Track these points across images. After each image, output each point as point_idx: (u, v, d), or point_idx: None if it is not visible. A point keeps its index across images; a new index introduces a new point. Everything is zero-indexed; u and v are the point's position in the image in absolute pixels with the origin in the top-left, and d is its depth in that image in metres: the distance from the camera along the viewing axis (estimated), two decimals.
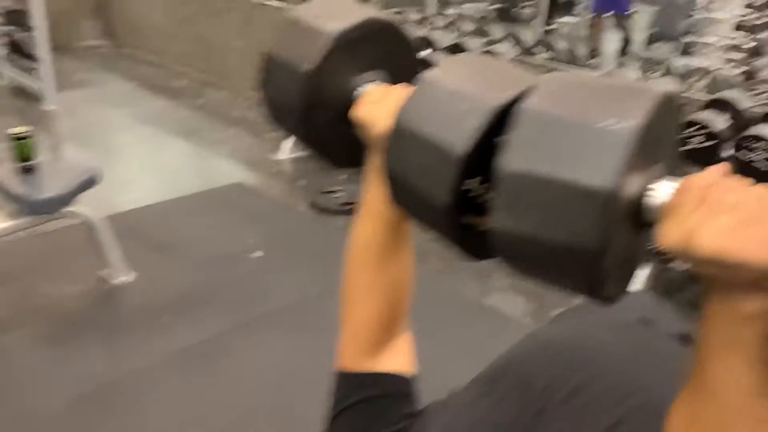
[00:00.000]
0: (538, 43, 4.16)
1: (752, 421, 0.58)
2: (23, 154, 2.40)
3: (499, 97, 0.64)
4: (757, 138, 2.49)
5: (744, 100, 2.84)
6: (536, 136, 0.59)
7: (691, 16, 5.13)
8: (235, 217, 3.43)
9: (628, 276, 0.68)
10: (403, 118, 0.69)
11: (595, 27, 6.43)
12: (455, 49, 3.63)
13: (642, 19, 4.76)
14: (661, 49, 4.33)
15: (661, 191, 0.59)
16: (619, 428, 0.89)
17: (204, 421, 2.09)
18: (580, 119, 0.58)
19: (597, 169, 0.56)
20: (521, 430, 0.91)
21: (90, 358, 2.34)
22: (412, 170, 0.68)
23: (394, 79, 0.89)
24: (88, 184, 2.47)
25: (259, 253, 3.07)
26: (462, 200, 0.66)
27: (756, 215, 0.52)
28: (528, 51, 4.02)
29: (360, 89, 0.85)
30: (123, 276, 2.75)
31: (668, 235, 0.56)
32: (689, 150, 2.60)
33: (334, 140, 0.90)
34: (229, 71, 5.49)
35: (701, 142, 2.58)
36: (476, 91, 0.65)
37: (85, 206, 2.57)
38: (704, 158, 2.50)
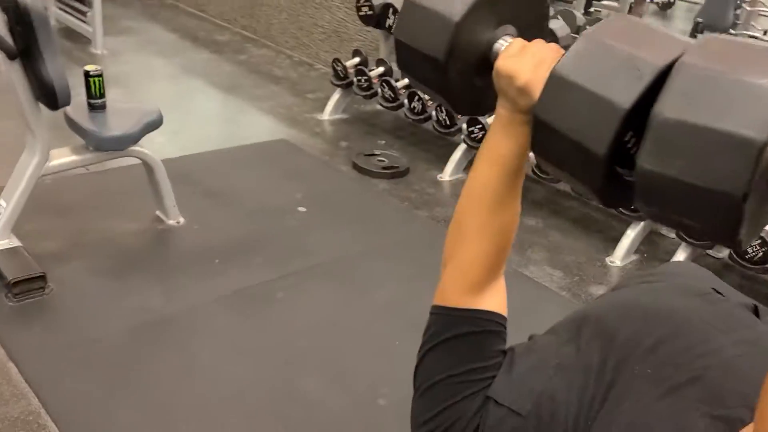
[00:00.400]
0: (578, 29, 4.16)
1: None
2: (95, 91, 2.47)
3: (663, 57, 0.70)
4: None
5: None
6: (693, 88, 0.66)
7: (739, 7, 5.10)
8: (279, 172, 3.51)
9: (759, 226, 0.74)
10: (564, 70, 0.75)
11: (635, 13, 6.38)
12: None
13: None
14: None
15: None
16: (693, 384, 0.96)
17: (253, 361, 2.19)
18: (737, 76, 0.65)
19: (753, 121, 0.62)
20: (605, 376, 0.99)
21: (146, 293, 2.44)
22: (568, 120, 0.75)
23: (521, 33, 0.95)
24: (154, 125, 2.55)
25: (302, 209, 3.15)
26: (616, 151, 0.73)
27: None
28: (576, 32, 4.03)
29: (499, 42, 0.91)
30: (176, 219, 2.84)
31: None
32: None
33: (463, 88, 0.96)
34: (272, 29, 5.52)
35: None
36: (640, 50, 0.72)
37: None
38: None
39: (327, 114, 4.22)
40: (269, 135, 3.96)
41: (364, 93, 3.98)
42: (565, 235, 3.22)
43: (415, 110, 3.75)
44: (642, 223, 2.99)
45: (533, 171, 3.27)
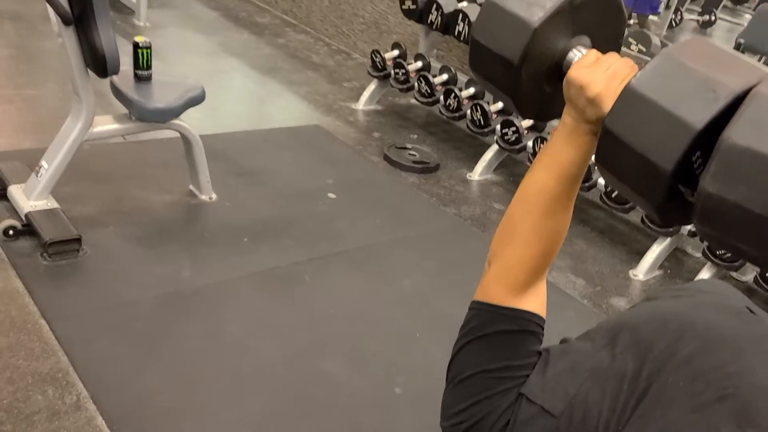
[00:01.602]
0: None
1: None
2: (142, 62, 2.52)
3: (740, 83, 0.72)
4: None
5: None
6: (765, 118, 0.68)
7: None
8: (312, 157, 3.54)
9: None
10: (640, 85, 0.77)
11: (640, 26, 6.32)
12: None
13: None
14: None
15: None
16: (723, 402, 0.98)
17: (278, 338, 2.24)
18: None
19: None
20: (639, 384, 1.00)
21: (176, 263, 2.49)
22: (639, 134, 0.77)
23: (596, 45, 0.97)
24: (197, 100, 2.60)
25: (332, 195, 3.19)
26: (681, 169, 0.75)
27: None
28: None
29: (573, 52, 0.94)
30: (209, 194, 2.89)
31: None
32: None
33: (532, 93, 0.99)
34: (313, 16, 5.56)
35: None
36: (717, 73, 0.74)
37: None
38: None
39: (362, 104, 4.25)
40: (304, 120, 4.00)
41: (401, 86, 4.00)
42: (589, 245, 3.23)
43: (450, 107, 3.77)
44: (668, 239, 2.99)
45: None
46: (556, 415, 0.96)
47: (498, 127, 3.50)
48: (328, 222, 2.97)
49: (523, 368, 1.04)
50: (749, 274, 2.85)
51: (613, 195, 3.10)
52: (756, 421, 0.93)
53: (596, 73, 0.91)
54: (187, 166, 2.88)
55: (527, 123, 3.43)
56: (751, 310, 1.27)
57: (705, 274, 2.84)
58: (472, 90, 3.77)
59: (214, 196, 2.91)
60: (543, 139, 3.26)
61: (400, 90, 4.05)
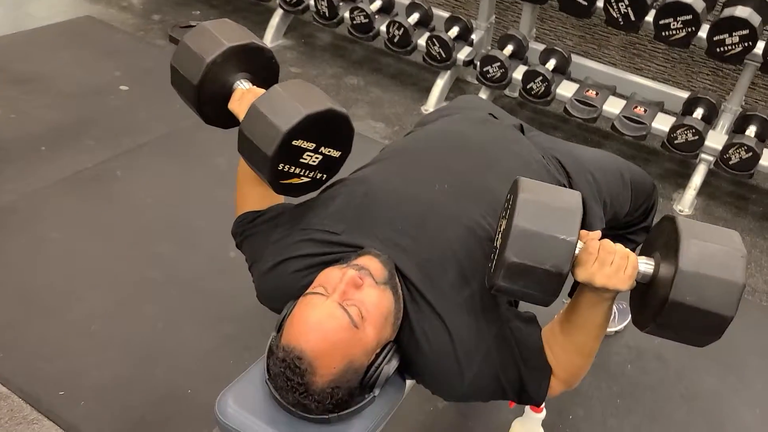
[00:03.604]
0: None
1: (597, 340, 1.18)
2: None
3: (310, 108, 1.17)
4: None
5: None
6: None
7: None
8: (91, 51, 3.36)
9: None
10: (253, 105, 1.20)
11: None
12: None
13: None
14: None
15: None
16: (477, 196, 1.28)
17: (106, 236, 2.28)
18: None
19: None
20: (411, 188, 1.27)
21: None
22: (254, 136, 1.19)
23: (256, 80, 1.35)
24: None
25: (124, 87, 3.10)
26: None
27: (618, 268, 1.06)
28: None
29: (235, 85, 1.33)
30: None
31: (580, 275, 1.07)
32: None
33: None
34: None
35: None
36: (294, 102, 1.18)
37: None
38: None
39: None
40: (71, 13, 3.71)
41: None
42: (384, 90, 3.48)
43: None
44: (449, 72, 3.32)
45: (349, 31, 3.42)
46: (338, 233, 1.21)
47: None
48: (126, 115, 2.92)
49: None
50: (516, 91, 3.29)
51: (395, 40, 3.32)
52: (500, 201, 1.23)
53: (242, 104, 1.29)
54: None
55: None
56: (493, 116, 1.59)
57: (483, 94, 3.23)
58: None
59: None
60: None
61: None
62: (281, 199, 1.36)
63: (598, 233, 1.10)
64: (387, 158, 1.40)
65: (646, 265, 1.08)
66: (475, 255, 1.16)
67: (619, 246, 1.07)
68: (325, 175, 1.29)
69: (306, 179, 1.24)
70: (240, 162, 1.34)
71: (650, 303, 1.08)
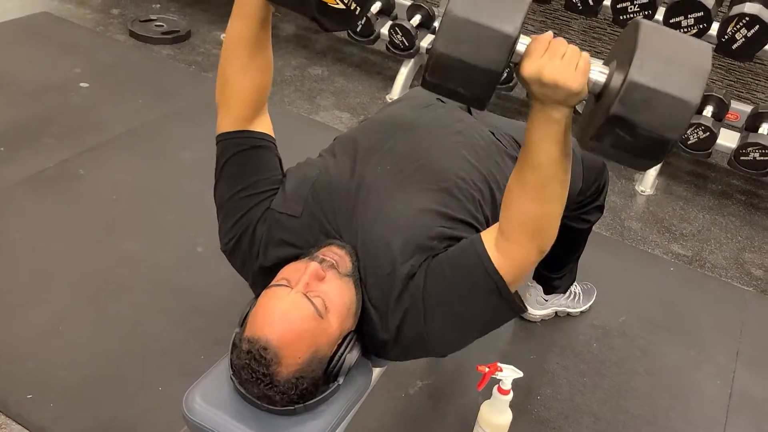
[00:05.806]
0: None
1: (557, 179, 1.06)
2: None
3: None
4: None
5: None
6: None
7: None
8: (49, 48, 3.30)
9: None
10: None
11: None
12: None
13: None
14: None
15: (522, 42, 0.97)
16: (421, 170, 1.30)
17: (70, 235, 2.25)
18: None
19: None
20: (355, 176, 1.28)
21: None
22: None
23: None
24: None
25: (84, 84, 3.05)
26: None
27: (570, 61, 0.96)
28: None
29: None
30: None
31: (526, 68, 0.97)
32: None
33: None
34: None
35: None
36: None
37: None
38: None
39: None
40: (27, 9, 3.63)
41: None
42: (348, 80, 3.49)
43: None
44: (412, 60, 3.33)
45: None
46: (297, 216, 1.22)
47: None
48: (87, 112, 2.88)
49: (269, 182, 1.27)
50: None
51: (358, 29, 3.32)
52: (443, 176, 1.25)
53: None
54: None
55: None
56: (441, 101, 1.61)
57: None
58: None
59: None
60: None
61: None
62: (268, 76, 1.30)
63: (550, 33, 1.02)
64: (337, 146, 1.42)
65: (599, 73, 0.98)
66: (414, 228, 1.19)
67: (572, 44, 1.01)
68: (359, 8, 1.16)
69: (341, 5, 1.12)
70: (230, 28, 1.24)
71: (595, 116, 0.99)
